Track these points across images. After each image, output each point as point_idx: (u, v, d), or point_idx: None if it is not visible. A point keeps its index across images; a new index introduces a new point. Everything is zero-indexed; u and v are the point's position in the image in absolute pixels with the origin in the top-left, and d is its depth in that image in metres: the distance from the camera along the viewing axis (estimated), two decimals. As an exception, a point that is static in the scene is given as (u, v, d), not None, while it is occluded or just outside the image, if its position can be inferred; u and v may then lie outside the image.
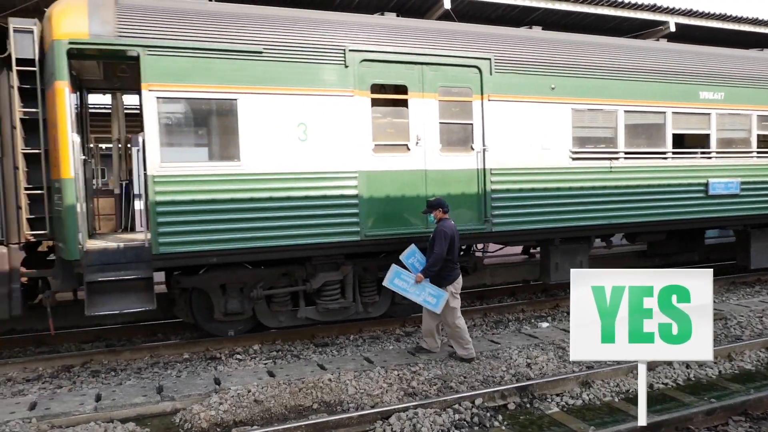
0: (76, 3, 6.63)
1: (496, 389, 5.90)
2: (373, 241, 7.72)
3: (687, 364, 6.68)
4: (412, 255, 7.03)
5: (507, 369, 6.66)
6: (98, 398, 5.92)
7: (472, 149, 8.25)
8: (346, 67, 7.48)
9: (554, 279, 9.19)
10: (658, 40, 11.57)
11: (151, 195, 6.76)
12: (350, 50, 7.48)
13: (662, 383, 6.34)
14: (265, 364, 7.10)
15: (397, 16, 8.60)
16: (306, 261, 7.74)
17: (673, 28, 12.17)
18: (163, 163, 6.83)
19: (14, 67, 6.68)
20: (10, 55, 6.67)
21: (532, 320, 9.21)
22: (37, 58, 6.71)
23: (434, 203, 7.00)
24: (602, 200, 9.05)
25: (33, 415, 5.49)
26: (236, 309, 7.69)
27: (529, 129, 8.54)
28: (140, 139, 6.88)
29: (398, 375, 6.42)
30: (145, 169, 6.81)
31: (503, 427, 5.40)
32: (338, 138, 7.50)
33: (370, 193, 7.66)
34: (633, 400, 5.97)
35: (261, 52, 7.10)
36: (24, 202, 6.93)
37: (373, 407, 5.68)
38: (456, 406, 5.58)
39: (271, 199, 7.21)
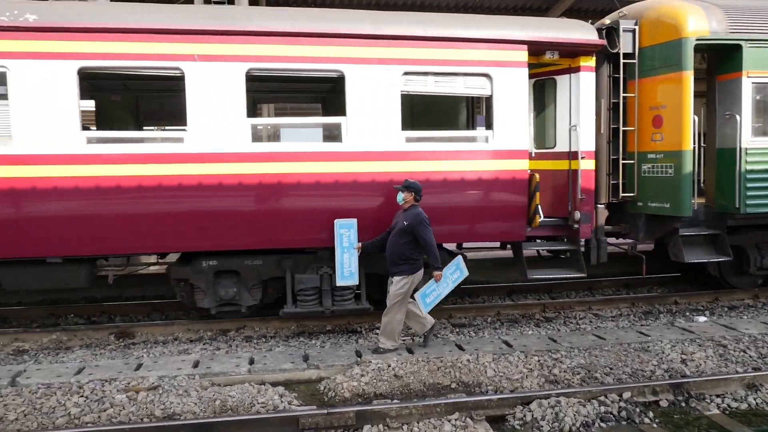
0: (694, 8, 8.03)
1: (646, 384, 5.53)
2: None
3: None
4: (425, 297, 6.72)
5: (658, 363, 6.22)
6: (251, 361, 6.36)
7: None
8: None
9: None
10: None
11: (743, 165, 8.11)
12: None
13: None
14: (404, 340, 7.21)
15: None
16: None
17: None
18: (753, 138, 8.13)
19: (621, 61, 8.22)
20: (616, 51, 8.21)
21: (687, 313, 8.52)
22: (636, 52, 8.28)
23: (413, 186, 6.60)
24: None
25: (196, 372, 6.03)
26: None
27: None
28: (737, 118, 8.07)
29: (539, 361, 6.25)
30: (739, 143, 8.06)
31: (654, 425, 5.05)
32: None
33: None
34: (810, 408, 5.35)
35: None
36: (617, 170, 8.48)
37: (512, 391, 5.57)
38: (602, 398, 5.31)
39: None
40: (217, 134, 6.88)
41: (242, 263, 7.35)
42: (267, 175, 6.98)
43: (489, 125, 7.61)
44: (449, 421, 4.95)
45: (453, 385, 5.81)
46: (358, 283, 7.17)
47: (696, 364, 6.19)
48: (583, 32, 7.89)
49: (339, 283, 7.06)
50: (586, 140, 8.01)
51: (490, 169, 7.49)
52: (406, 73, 7.24)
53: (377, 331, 7.69)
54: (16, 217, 6.60)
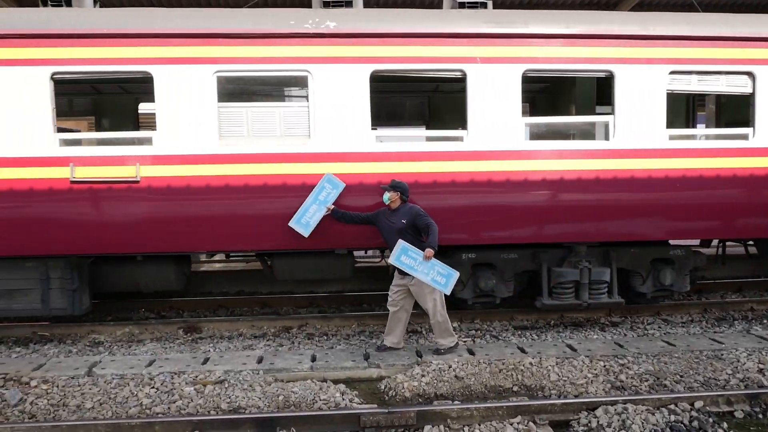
0: None
1: (720, 393, 5.30)
2: None
3: None
4: (403, 252, 6.33)
5: (733, 372, 5.93)
6: (313, 359, 6.47)
7: None
8: None
9: None
10: None
11: None
12: None
13: None
14: (464, 341, 7.16)
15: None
16: None
17: None
18: None
19: None
20: None
21: (765, 321, 8.09)
22: None
23: (400, 186, 6.48)
24: None
25: (260, 368, 6.17)
26: None
27: None
28: None
29: (604, 366, 6.07)
30: None
31: (729, 437, 4.84)
32: None
33: None
34: None
35: None
36: None
37: (576, 396, 5.45)
38: (671, 406, 5.12)
39: None
40: (495, 133, 7.09)
41: (498, 257, 7.55)
42: (544, 172, 7.17)
43: (749, 123, 7.58)
44: (511, 425, 4.89)
45: (515, 388, 5.73)
46: (307, 236, 6.81)
47: (775, 374, 5.89)
48: None
49: (290, 224, 6.77)
50: None
51: (752, 166, 7.48)
52: (672, 72, 7.32)
53: (437, 331, 7.68)
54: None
